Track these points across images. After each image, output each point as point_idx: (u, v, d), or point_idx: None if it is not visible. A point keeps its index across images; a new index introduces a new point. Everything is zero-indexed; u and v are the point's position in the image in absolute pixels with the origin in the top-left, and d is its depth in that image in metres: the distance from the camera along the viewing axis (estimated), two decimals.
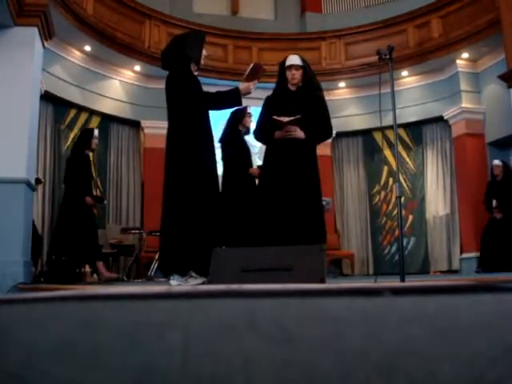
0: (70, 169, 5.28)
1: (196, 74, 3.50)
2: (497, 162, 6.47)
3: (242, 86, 3.31)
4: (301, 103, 3.59)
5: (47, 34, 4.95)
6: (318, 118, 3.62)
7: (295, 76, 3.61)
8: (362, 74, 8.10)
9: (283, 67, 3.66)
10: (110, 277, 5.09)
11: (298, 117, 3.61)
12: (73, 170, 5.23)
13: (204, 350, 0.34)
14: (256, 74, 3.34)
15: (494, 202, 6.21)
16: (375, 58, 3.44)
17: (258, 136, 3.74)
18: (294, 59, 3.65)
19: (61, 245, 5.10)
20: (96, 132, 5.43)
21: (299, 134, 3.51)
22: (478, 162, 7.39)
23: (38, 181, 5.56)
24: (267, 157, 3.65)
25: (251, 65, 3.39)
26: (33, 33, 4.67)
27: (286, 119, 3.49)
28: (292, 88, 3.66)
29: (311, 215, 3.58)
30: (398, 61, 7.29)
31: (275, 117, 3.47)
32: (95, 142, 5.36)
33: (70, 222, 5.10)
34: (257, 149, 7.54)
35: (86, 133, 5.52)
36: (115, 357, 0.34)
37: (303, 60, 3.66)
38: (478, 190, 7.22)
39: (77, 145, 5.48)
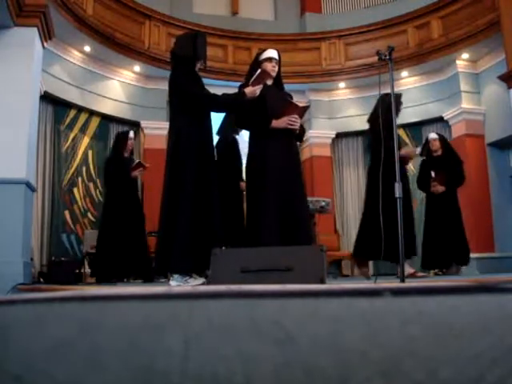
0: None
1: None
2: (433, 135, 5.68)
3: (247, 89, 3.33)
4: (284, 98, 3.61)
5: (47, 34, 4.95)
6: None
7: (275, 69, 3.62)
8: (362, 74, 8.10)
9: (258, 59, 3.67)
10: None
11: (308, 105, 3.75)
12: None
13: (204, 351, 0.34)
14: (262, 79, 3.38)
15: (433, 174, 5.34)
16: (375, 59, 3.44)
17: (250, 123, 3.55)
18: (274, 53, 3.67)
19: None
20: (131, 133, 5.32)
21: (298, 126, 3.49)
22: (477, 162, 7.39)
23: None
24: (261, 148, 3.47)
25: (258, 71, 3.42)
26: (32, 33, 4.67)
27: (301, 104, 3.51)
28: (268, 82, 3.65)
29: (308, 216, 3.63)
30: (398, 61, 7.30)
31: (293, 101, 3.47)
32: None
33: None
34: None
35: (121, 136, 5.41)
36: (115, 357, 0.34)
37: (279, 56, 3.70)
38: (478, 190, 7.23)
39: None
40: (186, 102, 3.35)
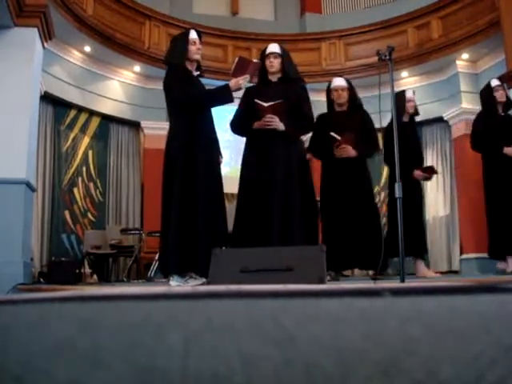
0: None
1: (198, 73, 3.49)
2: (340, 81, 4.00)
3: (231, 82, 3.28)
4: (283, 93, 3.51)
5: (47, 34, 4.95)
6: (303, 114, 3.53)
7: (273, 64, 3.52)
8: (362, 74, 8.10)
9: (263, 56, 3.62)
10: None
11: (279, 101, 3.38)
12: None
13: (204, 351, 0.34)
14: (245, 68, 3.27)
15: (334, 134, 3.74)
16: (375, 59, 3.43)
17: (236, 128, 3.60)
18: (272, 47, 3.59)
19: None
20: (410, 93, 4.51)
21: (279, 124, 3.37)
22: (477, 162, 7.38)
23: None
24: (250, 152, 3.51)
25: (236, 60, 3.35)
26: (33, 33, 4.67)
27: (266, 104, 3.34)
28: (273, 79, 3.60)
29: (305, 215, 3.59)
30: (398, 61, 7.30)
31: (257, 100, 3.34)
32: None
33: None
34: None
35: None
36: (115, 356, 0.34)
37: (282, 49, 3.61)
38: (478, 190, 7.21)
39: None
40: (174, 105, 3.34)
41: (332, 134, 3.73)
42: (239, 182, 3.54)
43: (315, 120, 3.83)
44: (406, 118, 4.45)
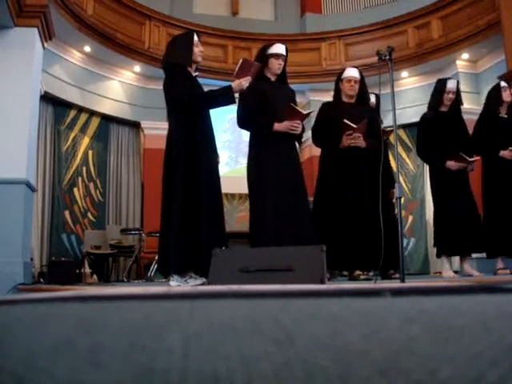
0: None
1: (196, 74, 3.50)
2: (355, 72, 3.99)
3: (234, 83, 3.29)
4: (285, 96, 3.58)
5: (47, 34, 4.95)
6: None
7: (281, 66, 3.59)
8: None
9: (265, 53, 3.62)
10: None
11: (311, 111, 3.67)
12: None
13: (204, 351, 0.34)
14: (247, 70, 3.30)
15: (347, 122, 3.70)
16: (375, 59, 3.44)
17: (250, 125, 3.55)
18: (283, 49, 3.61)
19: None
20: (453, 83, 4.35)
21: (299, 130, 3.51)
22: (477, 161, 7.37)
23: None
24: (265, 150, 3.48)
25: (240, 61, 3.37)
26: (33, 33, 4.67)
27: (304, 112, 3.51)
28: (272, 78, 3.62)
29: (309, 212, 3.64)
30: (398, 62, 7.30)
31: (292, 105, 3.41)
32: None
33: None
34: None
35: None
36: (115, 356, 0.34)
37: (286, 52, 3.65)
38: (478, 190, 7.21)
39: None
40: (173, 105, 3.35)
41: (346, 121, 3.66)
42: (260, 180, 3.43)
43: (319, 108, 3.95)
44: (444, 108, 4.37)
